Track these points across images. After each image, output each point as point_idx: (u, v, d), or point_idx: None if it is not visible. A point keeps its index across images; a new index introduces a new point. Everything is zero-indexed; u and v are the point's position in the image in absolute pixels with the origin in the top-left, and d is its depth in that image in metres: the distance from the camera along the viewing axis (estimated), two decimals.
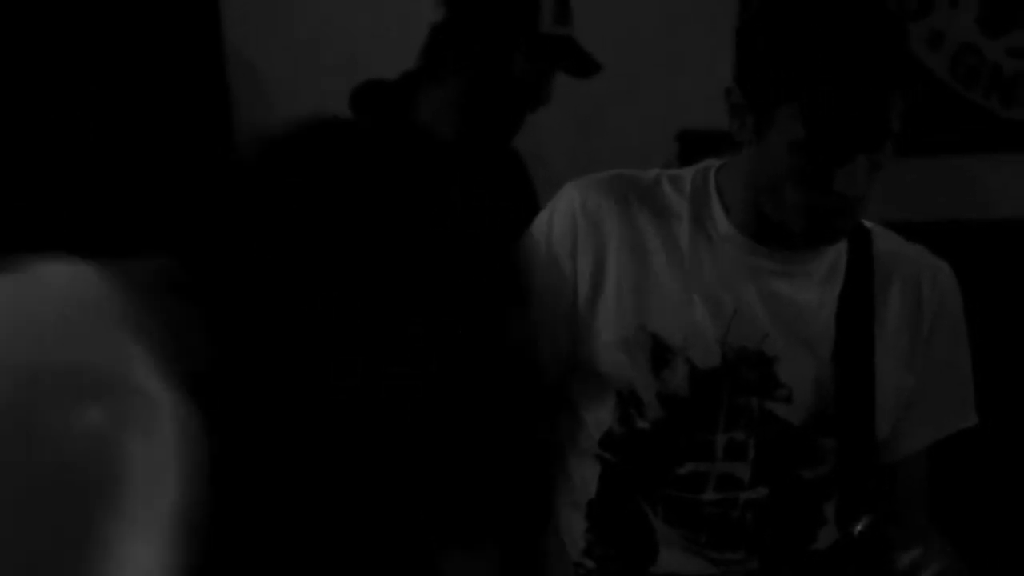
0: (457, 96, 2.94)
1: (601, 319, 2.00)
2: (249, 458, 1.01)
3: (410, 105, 2.95)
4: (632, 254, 2.00)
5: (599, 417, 2.03)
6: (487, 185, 3.11)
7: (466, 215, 1.08)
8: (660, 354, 1.99)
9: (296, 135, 1.09)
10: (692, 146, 3.34)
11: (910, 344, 2.03)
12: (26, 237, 3.31)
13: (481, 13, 2.95)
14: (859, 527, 1.89)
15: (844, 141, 1.83)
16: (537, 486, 1.86)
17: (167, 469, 0.99)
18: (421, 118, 2.94)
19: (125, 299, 1.01)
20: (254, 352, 1.00)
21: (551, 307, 1.98)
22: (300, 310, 1.02)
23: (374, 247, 1.06)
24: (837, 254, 2.02)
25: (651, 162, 2.20)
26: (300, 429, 1.04)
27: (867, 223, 2.06)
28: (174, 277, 1.06)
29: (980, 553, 1.96)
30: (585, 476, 2.06)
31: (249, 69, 3.69)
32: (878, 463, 2.02)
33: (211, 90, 3.69)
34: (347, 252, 1.05)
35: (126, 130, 3.60)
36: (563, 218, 2.01)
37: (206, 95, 3.68)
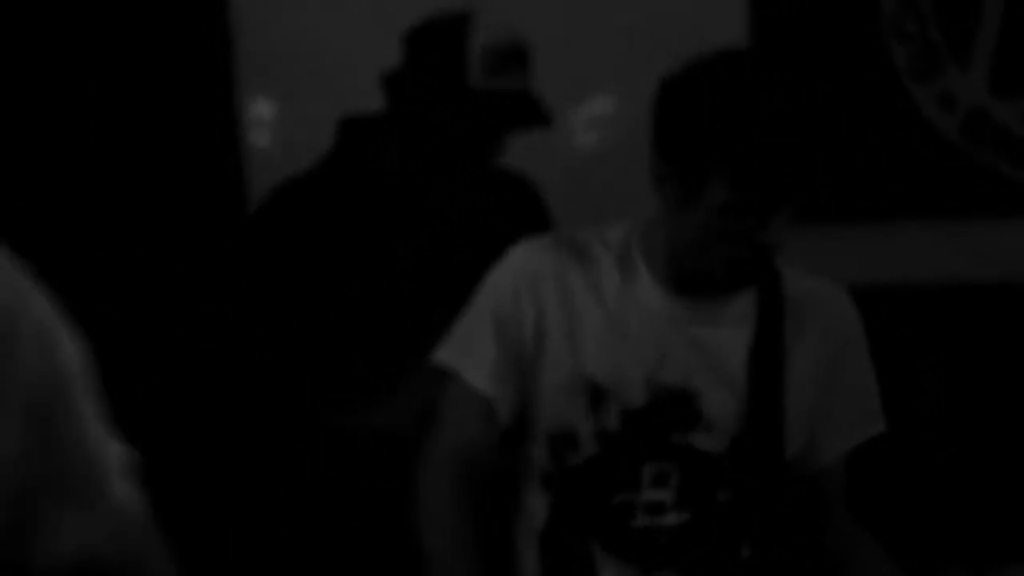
0: (404, 141, 2.97)
1: (542, 366, 2.23)
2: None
3: (380, 143, 3.04)
4: (566, 309, 2.22)
5: (538, 455, 2.25)
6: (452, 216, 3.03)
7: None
8: (595, 395, 2.21)
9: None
10: None
11: (819, 370, 2.25)
12: (34, 238, 3.31)
13: (410, 66, 3.01)
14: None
15: (772, 201, 2.06)
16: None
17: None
18: (388, 156, 3.03)
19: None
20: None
21: (506, 354, 2.24)
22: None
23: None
24: (748, 297, 2.23)
25: None
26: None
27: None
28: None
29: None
30: (535, 507, 2.28)
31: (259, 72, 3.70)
32: (789, 482, 2.26)
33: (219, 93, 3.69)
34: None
35: (131, 132, 3.60)
36: (506, 279, 2.24)
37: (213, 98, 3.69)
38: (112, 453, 1.39)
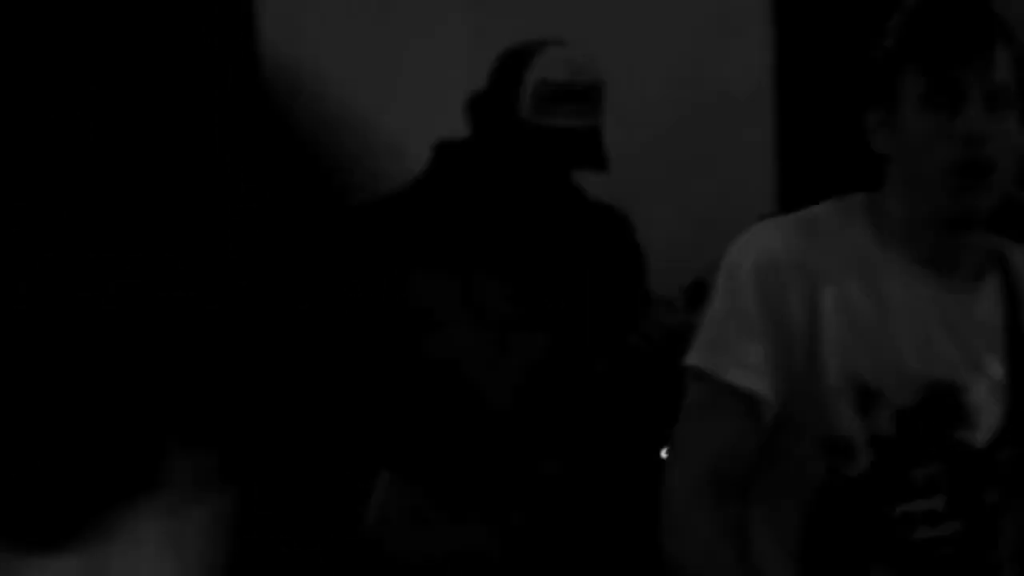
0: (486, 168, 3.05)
1: (814, 365, 2.03)
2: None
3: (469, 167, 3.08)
4: (837, 299, 2.04)
5: (807, 465, 2.06)
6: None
7: None
8: (866, 396, 2.04)
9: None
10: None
11: None
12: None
13: (480, 94, 3.07)
14: None
15: (954, 64, 1.98)
16: None
17: None
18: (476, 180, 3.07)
19: None
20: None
21: (773, 349, 2.03)
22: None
23: None
24: (992, 282, 2.13)
25: None
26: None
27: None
28: None
29: None
30: (789, 523, 2.11)
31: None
32: None
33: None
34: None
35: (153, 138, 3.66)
36: (768, 267, 2.03)
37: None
38: None
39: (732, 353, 2.00)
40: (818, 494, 2.07)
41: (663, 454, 2.37)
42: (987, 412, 2.08)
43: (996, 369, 2.10)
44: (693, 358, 2.03)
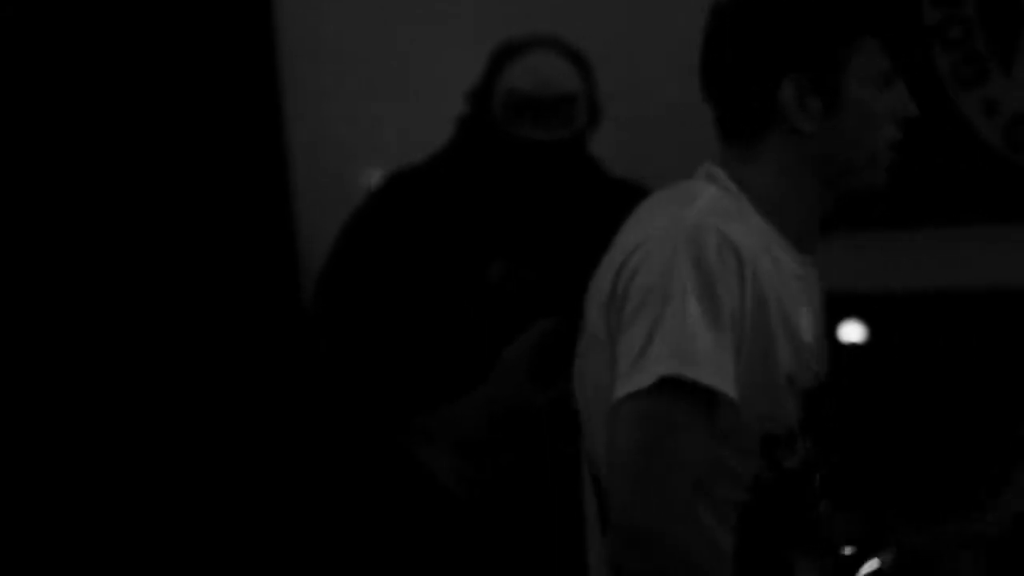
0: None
1: (759, 361, 1.94)
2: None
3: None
4: (772, 293, 1.95)
5: (748, 460, 1.99)
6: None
7: None
8: (792, 387, 1.99)
9: None
10: None
11: None
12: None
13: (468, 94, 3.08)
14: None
15: (908, 46, 1.92)
16: None
17: None
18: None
19: None
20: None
21: (731, 349, 1.90)
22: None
23: None
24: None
25: None
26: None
27: None
28: None
29: None
30: (728, 520, 2.02)
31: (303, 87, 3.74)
32: None
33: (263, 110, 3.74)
34: None
35: (175, 132, 3.65)
36: (718, 265, 1.90)
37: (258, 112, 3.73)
38: None
39: (705, 358, 1.85)
40: (754, 489, 2.00)
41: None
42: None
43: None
44: (665, 366, 1.85)
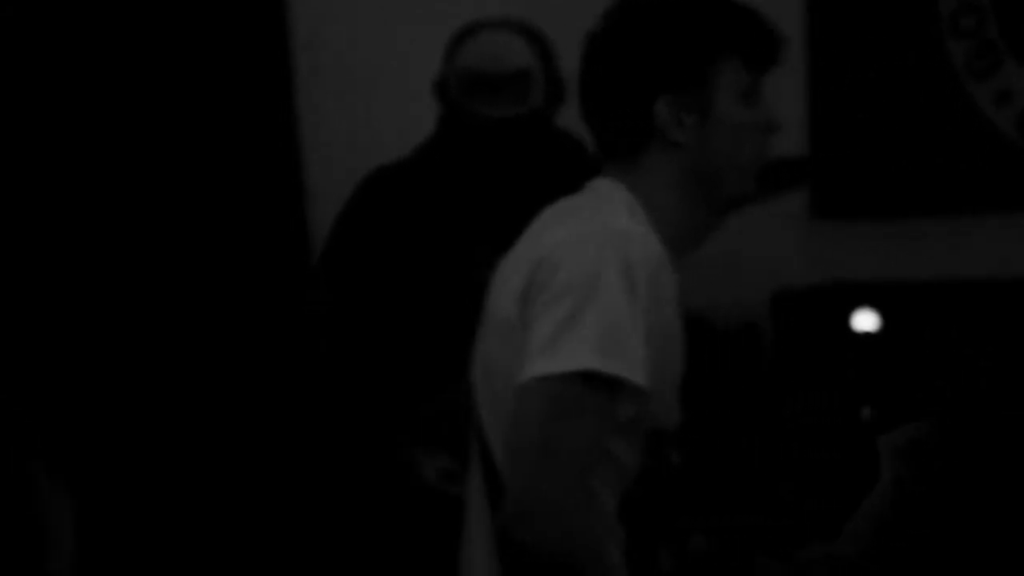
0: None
1: (667, 358, 2.07)
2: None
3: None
4: (669, 300, 2.09)
5: (633, 456, 2.08)
6: None
7: None
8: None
9: None
10: None
11: None
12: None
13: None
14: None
15: (773, 61, 2.13)
16: None
17: None
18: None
19: None
20: None
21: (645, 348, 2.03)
22: None
23: None
24: None
25: None
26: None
27: None
28: None
29: None
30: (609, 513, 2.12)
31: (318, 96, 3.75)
32: None
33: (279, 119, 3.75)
34: None
35: (191, 130, 3.65)
36: (635, 269, 2.01)
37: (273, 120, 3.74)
38: None
39: (629, 354, 1.96)
40: (640, 480, 2.09)
41: None
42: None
43: None
44: (586, 359, 1.95)
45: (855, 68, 3.65)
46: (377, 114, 3.74)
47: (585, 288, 1.97)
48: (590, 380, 1.95)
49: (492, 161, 3.08)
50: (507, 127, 3.03)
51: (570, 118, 2.50)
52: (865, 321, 3.44)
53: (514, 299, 2.05)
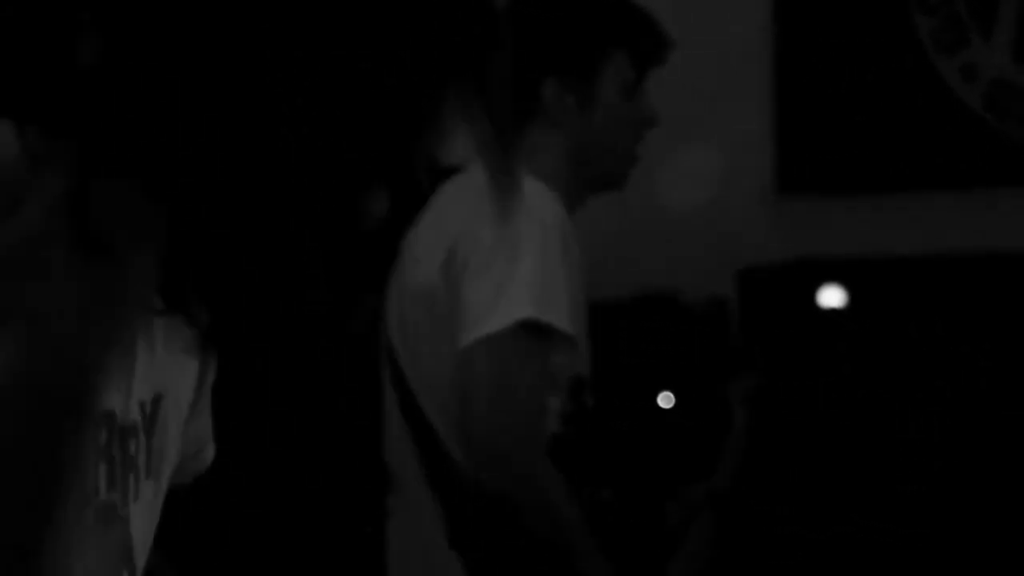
0: None
1: (580, 312, 2.27)
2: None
3: None
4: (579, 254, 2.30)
5: (555, 402, 2.24)
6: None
7: None
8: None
9: None
10: None
11: None
12: None
13: None
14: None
15: (659, 61, 2.33)
16: None
17: None
18: None
19: None
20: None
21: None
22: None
23: None
24: None
25: None
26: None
27: None
28: None
29: None
30: None
31: None
32: None
33: None
34: None
35: None
36: (559, 223, 2.25)
37: None
38: None
39: (559, 304, 2.16)
40: (566, 423, 2.25)
41: None
42: None
43: None
44: (524, 311, 2.13)
45: (822, 43, 3.64)
46: None
47: (509, 250, 2.16)
48: (529, 331, 2.13)
49: None
50: None
51: None
52: (832, 297, 3.43)
53: (436, 269, 2.20)
